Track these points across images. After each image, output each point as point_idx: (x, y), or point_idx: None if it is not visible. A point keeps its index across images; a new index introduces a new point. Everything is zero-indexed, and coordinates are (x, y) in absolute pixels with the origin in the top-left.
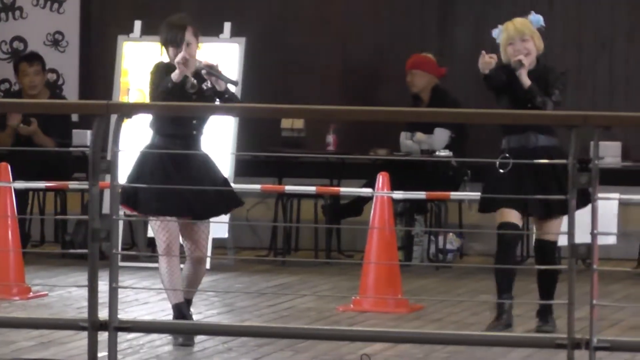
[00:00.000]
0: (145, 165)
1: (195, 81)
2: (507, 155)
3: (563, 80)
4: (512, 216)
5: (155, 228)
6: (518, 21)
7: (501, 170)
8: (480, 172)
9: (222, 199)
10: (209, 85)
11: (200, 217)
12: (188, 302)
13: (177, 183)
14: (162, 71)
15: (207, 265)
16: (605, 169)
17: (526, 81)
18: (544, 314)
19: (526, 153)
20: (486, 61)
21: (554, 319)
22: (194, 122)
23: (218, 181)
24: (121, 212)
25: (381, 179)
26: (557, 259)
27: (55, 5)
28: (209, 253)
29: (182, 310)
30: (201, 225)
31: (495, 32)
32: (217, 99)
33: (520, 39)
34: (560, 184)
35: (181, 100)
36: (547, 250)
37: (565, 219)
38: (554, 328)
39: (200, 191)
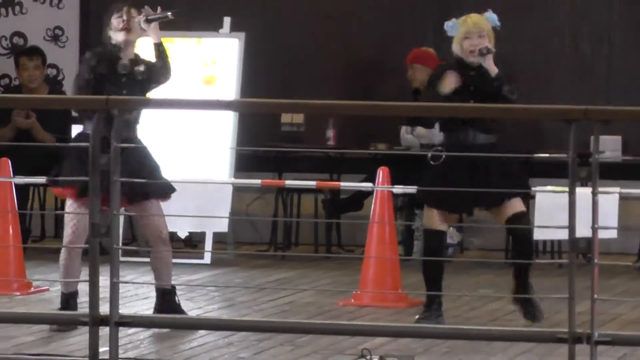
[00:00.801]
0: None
1: (127, 63)
2: (440, 148)
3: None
4: (440, 222)
5: (68, 212)
6: (476, 16)
7: (432, 162)
8: None
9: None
10: (142, 69)
11: (135, 197)
12: (168, 291)
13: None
14: (89, 59)
15: (206, 258)
16: (605, 163)
17: (494, 68)
18: (522, 303)
19: (463, 149)
20: (450, 81)
21: (536, 306)
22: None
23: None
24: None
25: (381, 173)
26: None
27: (55, 1)
28: (208, 247)
29: (69, 300)
30: (151, 204)
31: (448, 25)
32: (152, 83)
33: (478, 34)
34: (500, 171)
35: (111, 84)
36: (520, 223)
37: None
38: (535, 317)
39: (136, 174)
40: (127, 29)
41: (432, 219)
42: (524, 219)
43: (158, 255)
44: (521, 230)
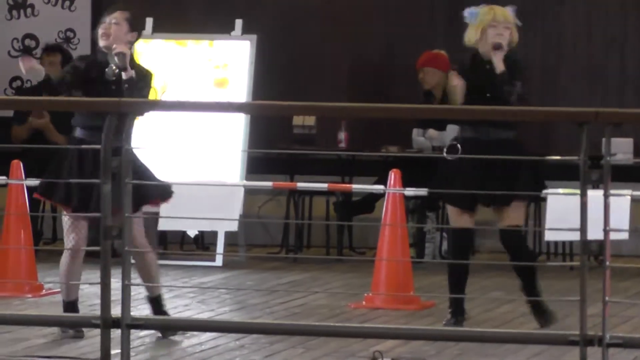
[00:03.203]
0: (65, 159)
1: (115, 69)
2: (457, 144)
3: (524, 73)
4: (464, 221)
5: (66, 227)
6: (501, 8)
7: (448, 157)
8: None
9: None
10: (132, 75)
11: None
12: (153, 298)
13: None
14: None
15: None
16: (616, 165)
17: (500, 66)
18: (532, 306)
19: (479, 145)
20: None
21: (546, 310)
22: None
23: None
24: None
25: (393, 175)
26: (526, 243)
27: (67, 3)
28: (220, 249)
29: (70, 309)
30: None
31: (469, 12)
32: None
33: (504, 25)
34: (513, 171)
35: (101, 90)
36: (512, 236)
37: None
38: (545, 321)
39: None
40: (106, 34)
41: (450, 215)
42: (516, 236)
43: (142, 262)
44: (511, 243)
